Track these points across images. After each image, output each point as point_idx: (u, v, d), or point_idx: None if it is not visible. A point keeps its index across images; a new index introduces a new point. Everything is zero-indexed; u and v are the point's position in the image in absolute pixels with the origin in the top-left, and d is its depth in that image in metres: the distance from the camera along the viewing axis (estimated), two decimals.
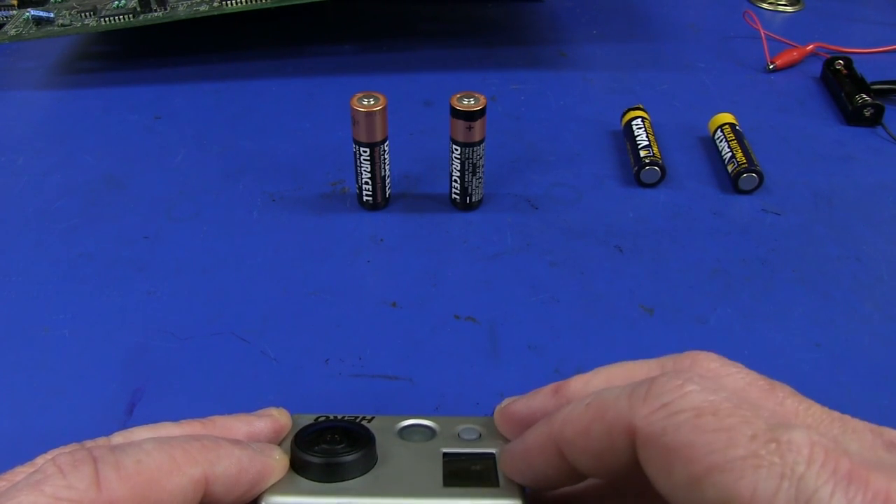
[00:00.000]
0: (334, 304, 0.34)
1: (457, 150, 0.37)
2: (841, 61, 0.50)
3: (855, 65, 0.50)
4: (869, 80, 0.48)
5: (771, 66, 0.52)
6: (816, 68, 0.52)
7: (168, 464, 0.17)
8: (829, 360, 0.31)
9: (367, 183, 0.38)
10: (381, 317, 0.33)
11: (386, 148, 0.37)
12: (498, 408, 0.22)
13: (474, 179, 0.38)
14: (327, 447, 0.21)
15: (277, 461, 0.20)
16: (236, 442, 0.20)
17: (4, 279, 0.34)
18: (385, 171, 0.38)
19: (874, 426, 0.17)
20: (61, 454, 0.17)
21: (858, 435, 0.17)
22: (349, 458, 0.20)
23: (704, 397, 0.16)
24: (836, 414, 0.17)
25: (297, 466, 0.20)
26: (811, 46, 0.53)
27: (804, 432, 0.15)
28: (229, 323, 0.32)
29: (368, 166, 0.37)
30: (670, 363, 0.19)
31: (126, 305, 0.33)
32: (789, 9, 0.61)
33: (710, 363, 0.19)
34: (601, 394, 0.18)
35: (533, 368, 0.31)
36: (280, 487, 0.20)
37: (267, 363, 0.31)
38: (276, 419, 0.22)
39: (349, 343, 0.32)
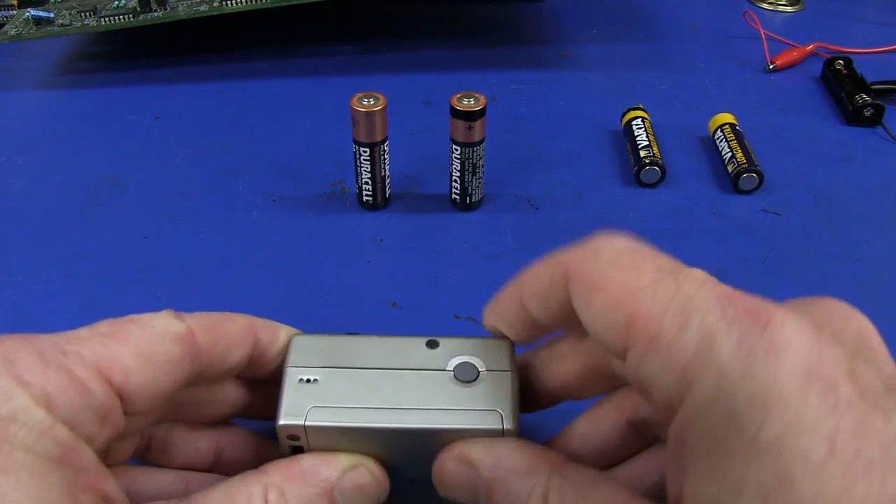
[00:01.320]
0: (334, 304, 0.34)
1: (457, 150, 0.37)
2: (841, 61, 0.50)
3: (855, 65, 0.50)
4: (869, 80, 0.48)
5: (771, 66, 0.52)
6: (816, 68, 0.52)
7: (224, 316, 0.23)
8: None
9: (367, 183, 0.38)
10: (381, 317, 0.33)
11: (386, 148, 0.37)
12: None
13: (474, 179, 0.38)
14: None
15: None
16: None
17: (4, 279, 0.34)
18: (385, 171, 0.38)
19: None
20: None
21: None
22: None
23: (627, 244, 0.19)
24: None
25: None
26: (811, 46, 0.53)
27: (703, 272, 0.18)
28: None
29: (368, 166, 0.37)
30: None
31: (126, 305, 0.33)
32: (789, 9, 0.61)
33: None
34: (556, 252, 0.20)
35: None
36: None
37: None
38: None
39: None
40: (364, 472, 0.22)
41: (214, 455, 0.24)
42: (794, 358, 0.15)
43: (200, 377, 0.22)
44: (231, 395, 0.24)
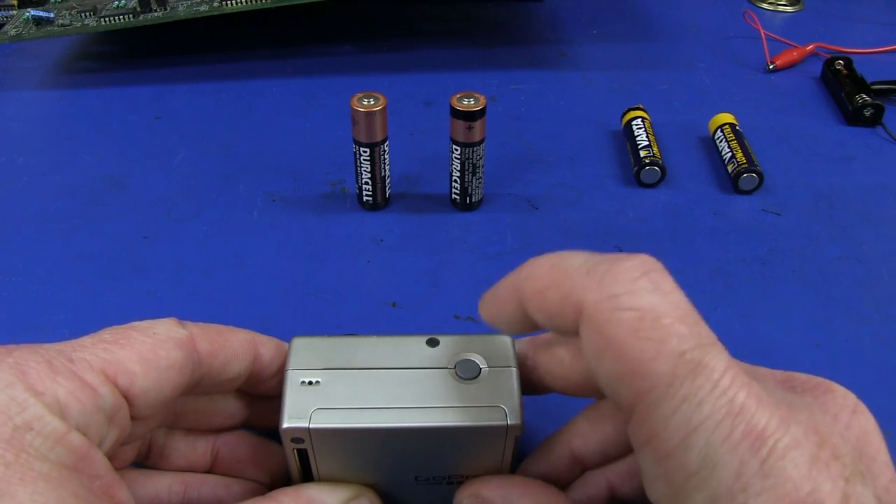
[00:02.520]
0: (334, 304, 0.34)
1: (457, 150, 0.37)
2: (841, 61, 0.50)
3: (855, 65, 0.50)
4: (869, 80, 0.48)
5: (771, 66, 0.52)
6: (816, 68, 0.52)
7: (227, 328, 0.23)
8: (829, 360, 0.31)
9: (367, 183, 0.38)
10: (381, 317, 0.33)
11: (386, 148, 0.37)
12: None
13: (474, 179, 0.38)
14: None
15: None
16: None
17: (4, 279, 0.34)
18: (385, 171, 0.38)
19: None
20: None
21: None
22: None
23: (651, 300, 0.17)
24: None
25: None
26: (811, 46, 0.53)
27: (725, 360, 0.17)
28: (229, 323, 0.32)
29: (368, 166, 0.37)
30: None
31: (126, 305, 0.33)
32: (789, 9, 0.61)
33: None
34: (565, 259, 0.19)
35: None
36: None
37: None
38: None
39: None
40: (365, 502, 0.23)
41: (212, 457, 0.24)
42: (790, 490, 0.16)
43: (201, 384, 0.22)
44: (231, 407, 0.24)
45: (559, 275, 0.18)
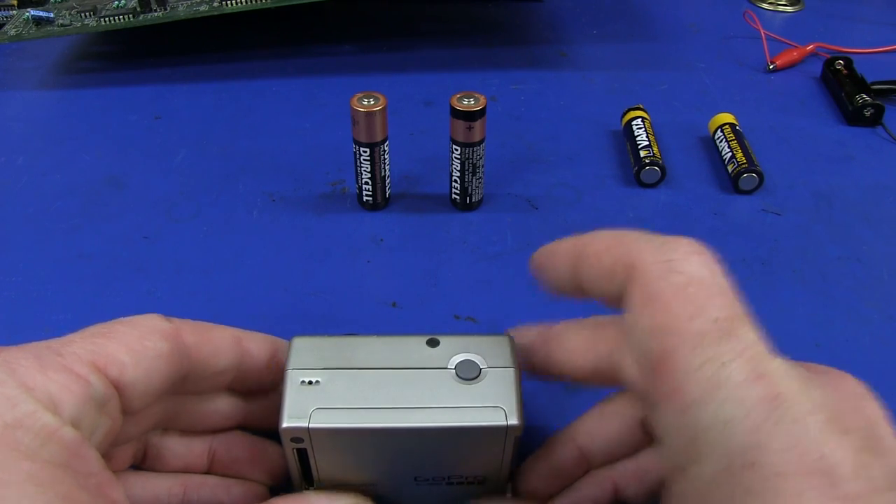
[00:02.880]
0: (334, 304, 0.34)
1: (457, 150, 0.37)
2: (841, 61, 0.50)
3: (855, 65, 0.50)
4: (869, 80, 0.48)
5: (771, 66, 0.52)
6: (816, 68, 0.52)
7: (211, 324, 0.23)
8: (829, 360, 0.31)
9: (367, 183, 0.38)
10: (381, 317, 0.33)
11: (386, 148, 0.37)
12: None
13: (474, 179, 0.38)
14: None
15: None
16: None
17: (5, 279, 0.34)
18: (385, 171, 0.38)
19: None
20: None
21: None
22: None
23: (700, 271, 0.19)
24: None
25: None
26: (811, 46, 0.53)
27: (755, 334, 0.18)
28: (229, 323, 0.32)
29: (368, 166, 0.37)
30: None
31: (126, 305, 0.33)
32: (789, 9, 0.61)
33: None
34: (625, 232, 0.21)
35: None
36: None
37: None
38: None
39: None
40: None
41: (209, 458, 0.24)
42: (802, 452, 0.16)
43: (190, 379, 0.22)
44: (225, 406, 0.24)
45: (619, 240, 0.21)
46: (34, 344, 0.20)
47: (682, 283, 0.19)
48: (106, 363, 0.19)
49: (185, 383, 0.22)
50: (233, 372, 0.23)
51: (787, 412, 0.16)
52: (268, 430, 0.24)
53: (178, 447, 0.24)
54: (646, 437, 0.23)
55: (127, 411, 0.20)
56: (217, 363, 0.22)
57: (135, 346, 0.20)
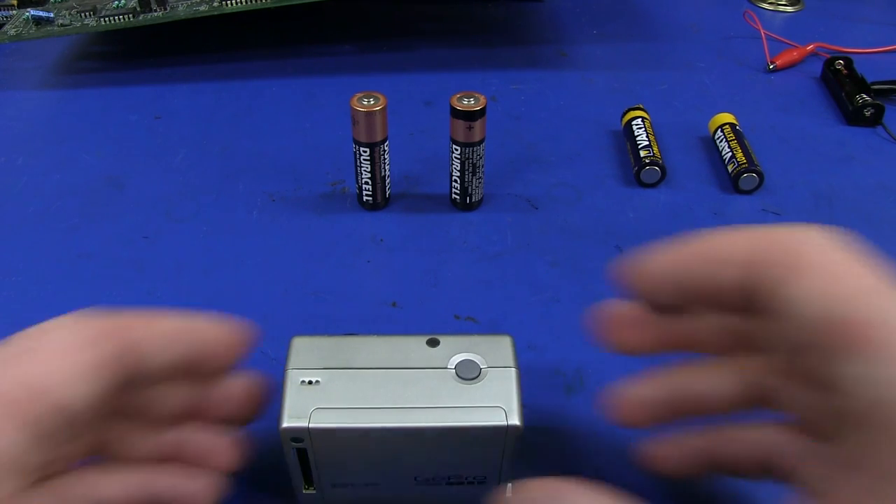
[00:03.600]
0: (334, 304, 0.34)
1: (457, 150, 0.37)
2: (841, 61, 0.50)
3: (855, 65, 0.50)
4: (869, 80, 0.48)
5: (771, 66, 0.52)
6: (816, 68, 0.52)
7: (161, 315, 0.22)
8: None
9: (367, 183, 0.38)
10: (381, 317, 0.33)
11: (386, 148, 0.37)
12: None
13: (474, 179, 0.38)
14: None
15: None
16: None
17: (4, 279, 0.34)
18: (385, 171, 0.38)
19: None
20: None
21: None
22: None
23: (844, 245, 0.20)
24: None
25: None
26: (811, 46, 0.53)
27: None
28: None
29: (368, 166, 0.37)
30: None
31: (126, 305, 0.33)
32: (789, 9, 0.61)
33: None
34: (746, 227, 0.21)
35: (533, 368, 0.30)
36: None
37: (267, 363, 0.31)
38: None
39: None
40: None
41: (173, 448, 0.23)
42: None
43: (142, 373, 0.21)
44: (180, 396, 0.23)
45: (743, 235, 0.21)
46: None
47: (839, 248, 0.19)
48: (35, 397, 0.19)
49: (135, 379, 0.21)
50: (187, 358, 0.22)
51: None
52: (226, 416, 0.24)
53: (139, 440, 0.23)
54: (745, 402, 0.22)
55: (70, 429, 0.20)
56: (166, 355, 0.22)
57: (63, 363, 0.19)
